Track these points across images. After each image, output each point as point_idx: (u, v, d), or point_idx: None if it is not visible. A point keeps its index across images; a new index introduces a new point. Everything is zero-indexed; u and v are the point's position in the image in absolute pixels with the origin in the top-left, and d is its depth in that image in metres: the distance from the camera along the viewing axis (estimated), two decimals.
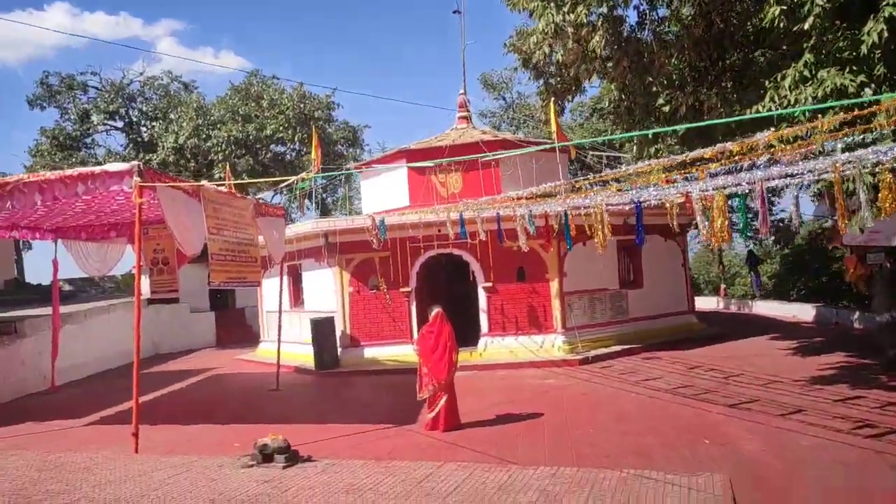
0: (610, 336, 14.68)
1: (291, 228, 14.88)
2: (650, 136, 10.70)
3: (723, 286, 25.57)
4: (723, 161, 7.70)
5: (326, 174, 21.14)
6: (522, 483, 5.43)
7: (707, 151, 6.30)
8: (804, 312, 19.92)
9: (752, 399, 9.27)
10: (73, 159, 22.43)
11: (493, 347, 14.12)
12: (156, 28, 66.74)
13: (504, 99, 35.23)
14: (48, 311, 13.89)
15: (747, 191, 7.07)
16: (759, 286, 24.61)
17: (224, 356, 18.35)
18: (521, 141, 17.74)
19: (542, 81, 15.13)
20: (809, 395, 9.30)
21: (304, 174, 12.72)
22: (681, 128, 9.46)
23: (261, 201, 11.38)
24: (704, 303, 23.28)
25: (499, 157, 15.05)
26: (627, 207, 10.57)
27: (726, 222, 6.70)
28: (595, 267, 14.76)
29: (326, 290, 15.06)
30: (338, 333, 14.48)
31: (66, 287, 28.31)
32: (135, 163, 7.50)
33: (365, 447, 7.71)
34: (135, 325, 7.44)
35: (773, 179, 7.31)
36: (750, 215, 17.55)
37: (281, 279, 13.26)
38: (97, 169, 7.63)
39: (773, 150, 6.61)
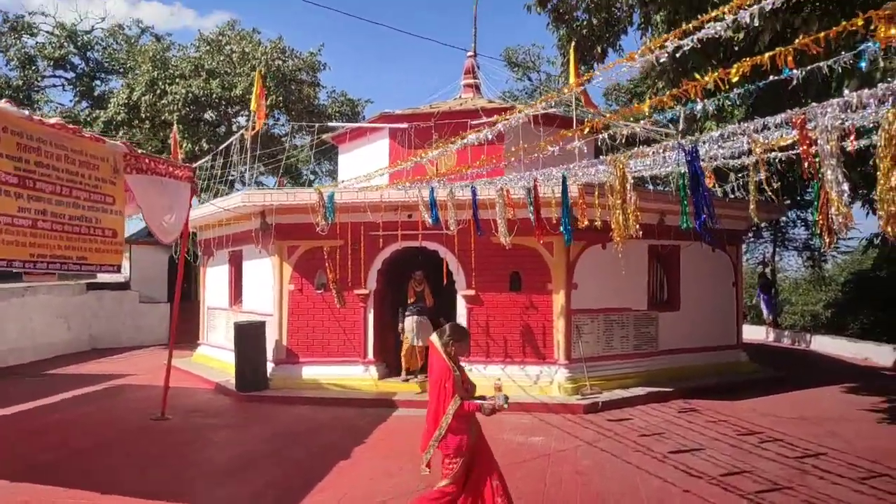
0: (631, 373, 10.93)
1: (219, 202, 11.47)
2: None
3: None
4: None
5: (312, 141, 17.66)
6: None
7: None
8: (879, 354, 15.75)
9: None
10: None
11: (472, 379, 10.46)
12: None
13: (530, 80, 31.38)
14: None
15: None
16: (772, 311, 20.59)
17: (163, 358, 15.05)
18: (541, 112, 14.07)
19: (563, 30, 11.60)
20: None
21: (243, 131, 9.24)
22: None
23: (139, 151, 7.90)
24: (748, 332, 19.26)
25: (489, 123, 11.39)
26: (664, 192, 6.89)
27: None
28: (616, 278, 11.04)
29: (265, 285, 11.63)
30: (271, 344, 11.03)
31: None
32: None
33: None
34: None
35: None
36: None
37: (181, 268, 9.70)
38: None
39: None
